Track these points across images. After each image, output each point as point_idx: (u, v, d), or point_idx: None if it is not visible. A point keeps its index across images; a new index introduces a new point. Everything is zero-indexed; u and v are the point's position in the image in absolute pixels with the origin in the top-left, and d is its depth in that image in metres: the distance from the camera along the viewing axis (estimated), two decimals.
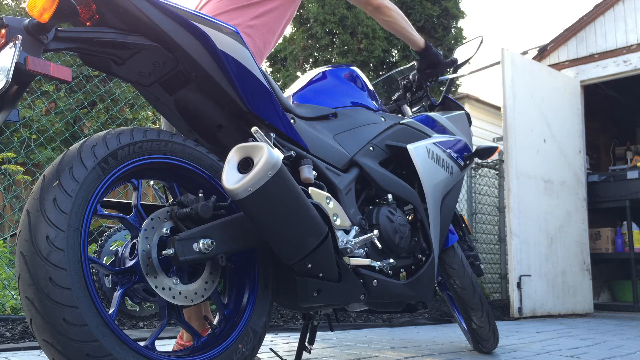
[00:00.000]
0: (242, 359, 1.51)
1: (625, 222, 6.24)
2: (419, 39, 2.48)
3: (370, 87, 2.29)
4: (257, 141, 1.52)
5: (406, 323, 4.25)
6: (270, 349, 2.17)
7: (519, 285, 4.99)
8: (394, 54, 9.90)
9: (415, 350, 2.77)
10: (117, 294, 1.41)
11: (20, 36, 1.20)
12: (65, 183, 1.26)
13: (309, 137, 1.82)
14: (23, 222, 1.24)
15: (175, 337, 2.92)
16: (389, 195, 1.98)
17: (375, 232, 1.76)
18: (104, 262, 1.56)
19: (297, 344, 2.06)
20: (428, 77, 2.58)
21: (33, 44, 1.23)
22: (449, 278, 2.48)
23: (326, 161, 1.85)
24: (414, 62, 2.64)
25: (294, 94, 2.10)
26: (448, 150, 2.30)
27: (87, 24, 1.43)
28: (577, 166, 5.85)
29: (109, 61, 1.50)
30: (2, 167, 4.12)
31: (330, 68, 2.23)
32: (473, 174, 6.21)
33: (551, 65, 6.28)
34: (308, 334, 2.02)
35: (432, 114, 2.45)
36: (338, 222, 1.70)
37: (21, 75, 1.20)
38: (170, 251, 1.37)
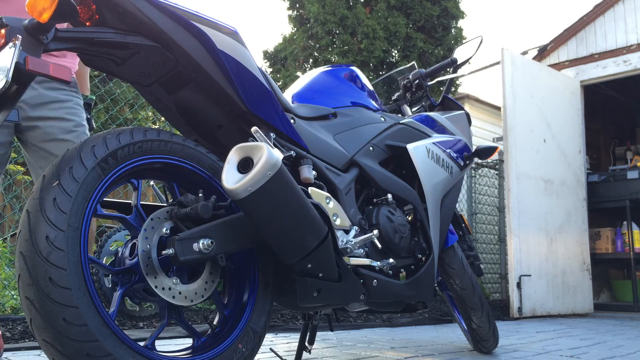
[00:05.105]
0: (242, 359, 1.51)
1: (625, 222, 6.23)
2: None
3: (370, 87, 2.29)
4: (257, 141, 1.52)
5: (406, 323, 4.25)
6: (270, 349, 2.17)
7: (519, 285, 4.99)
8: (394, 54, 9.91)
9: (415, 350, 2.76)
10: (117, 294, 1.41)
11: (20, 36, 1.20)
12: (65, 183, 1.26)
13: (309, 137, 1.82)
14: (23, 222, 1.24)
15: (175, 337, 2.93)
16: (389, 195, 1.98)
17: (375, 232, 1.77)
18: (104, 262, 1.56)
19: (297, 344, 2.06)
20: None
21: (33, 44, 1.23)
22: (449, 278, 2.48)
23: (326, 161, 1.85)
24: (414, 62, 2.64)
25: (294, 94, 2.10)
26: (448, 150, 2.30)
27: (87, 24, 1.43)
28: (577, 166, 5.85)
29: (108, 61, 1.50)
30: None
31: (330, 68, 2.23)
32: (473, 174, 6.21)
33: (551, 65, 6.28)
34: (308, 334, 2.02)
35: (432, 114, 2.45)
36: (338, 222, 1.70)
37: (21, 75, 1.20)
38: (170, 251, 1.37)
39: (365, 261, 1.80)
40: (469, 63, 7.11)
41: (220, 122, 1.66)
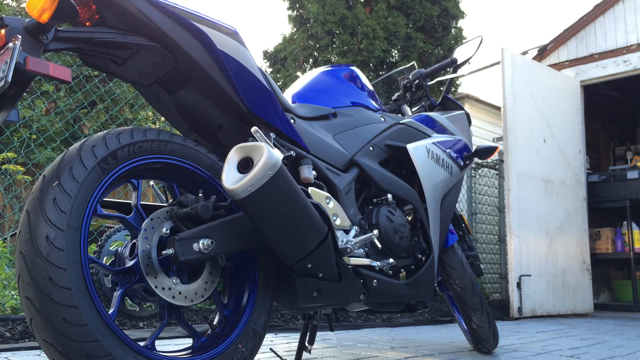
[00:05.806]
0: (242, 359, 1.51)
1: (625, 222, 6.23)
2: None
3: (370, 87, 2.29)
4: (257, 141, 1.52)
5: (406, 323, 4.25)
6: (270, 349, 2.17)
7: (518, 285, 4.99)
8: (394, 54, 9.91)
9: (415, 350, 2.76)
10: (117, 294, 1.41)
11: (20, 36, 1.20)
12: (65, 183, 1.26)
13: (309, 137, 1.82)
14: (23, 222, 1.24)
15: (175, 337, 2.93)
16: (389, 195, 1.98)
17: (375, 232, 1.77)
18: (104, 262, 1.56)
19: (297, 344, 2.06)
20: None
21: (33, 44, 1.23)
22: (449, 278, 2.48)
23: (326, 161, 1.85)
24: (414, 62, 2.65)
25: (294, 94, 2.10)
26: (448, 150, 2.30)
27: (87, 24, 1.43)
28: (577, 166, 5.85)
29: (108, 61, 1.50)
30: (2, 167, 4.11)
31: (330, 68, 2.23)
32: (473, 174, 6.21)
33: (551, 65, 6.28)
34: (308, 334, 2.02)
35: (431, 114, 2.45)
36: (338, 222, 1.70)
37: (21, 76, 1.20)
38: (170, 251, 1.37)
39: (365, 261, 1.80)
40: (469, 63, 7.12)
41: (220, 122, 1.66)
